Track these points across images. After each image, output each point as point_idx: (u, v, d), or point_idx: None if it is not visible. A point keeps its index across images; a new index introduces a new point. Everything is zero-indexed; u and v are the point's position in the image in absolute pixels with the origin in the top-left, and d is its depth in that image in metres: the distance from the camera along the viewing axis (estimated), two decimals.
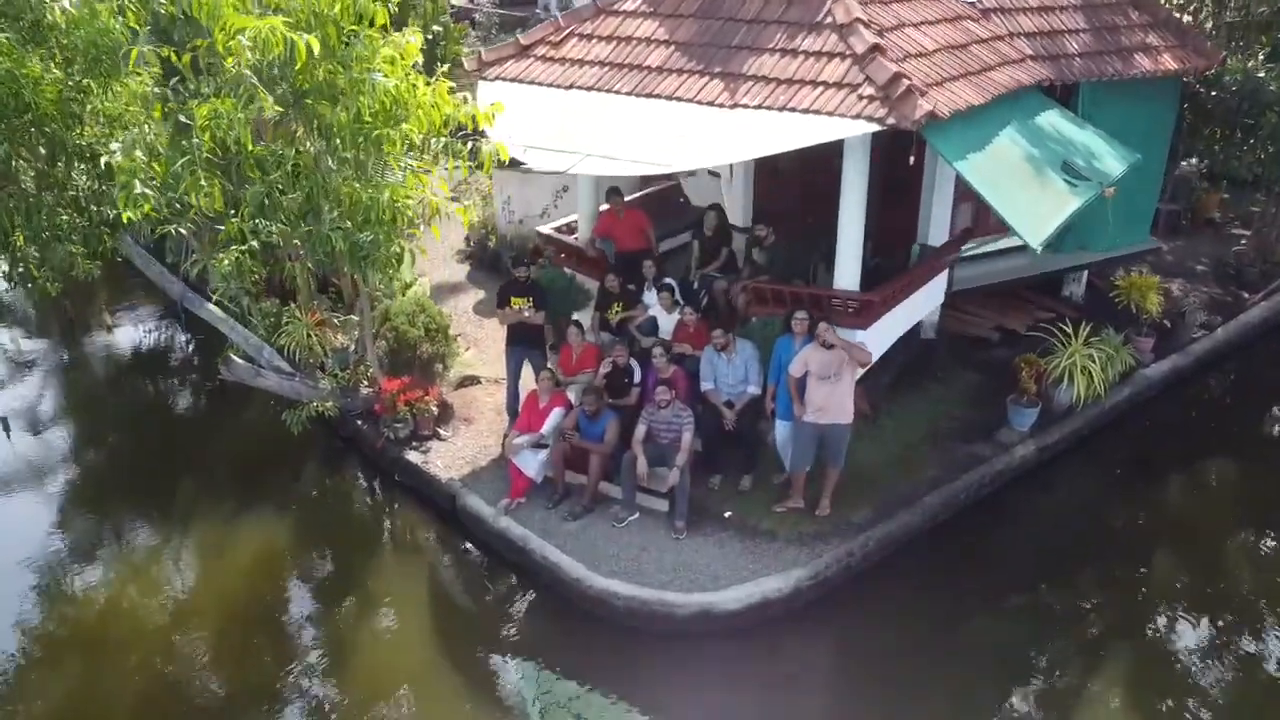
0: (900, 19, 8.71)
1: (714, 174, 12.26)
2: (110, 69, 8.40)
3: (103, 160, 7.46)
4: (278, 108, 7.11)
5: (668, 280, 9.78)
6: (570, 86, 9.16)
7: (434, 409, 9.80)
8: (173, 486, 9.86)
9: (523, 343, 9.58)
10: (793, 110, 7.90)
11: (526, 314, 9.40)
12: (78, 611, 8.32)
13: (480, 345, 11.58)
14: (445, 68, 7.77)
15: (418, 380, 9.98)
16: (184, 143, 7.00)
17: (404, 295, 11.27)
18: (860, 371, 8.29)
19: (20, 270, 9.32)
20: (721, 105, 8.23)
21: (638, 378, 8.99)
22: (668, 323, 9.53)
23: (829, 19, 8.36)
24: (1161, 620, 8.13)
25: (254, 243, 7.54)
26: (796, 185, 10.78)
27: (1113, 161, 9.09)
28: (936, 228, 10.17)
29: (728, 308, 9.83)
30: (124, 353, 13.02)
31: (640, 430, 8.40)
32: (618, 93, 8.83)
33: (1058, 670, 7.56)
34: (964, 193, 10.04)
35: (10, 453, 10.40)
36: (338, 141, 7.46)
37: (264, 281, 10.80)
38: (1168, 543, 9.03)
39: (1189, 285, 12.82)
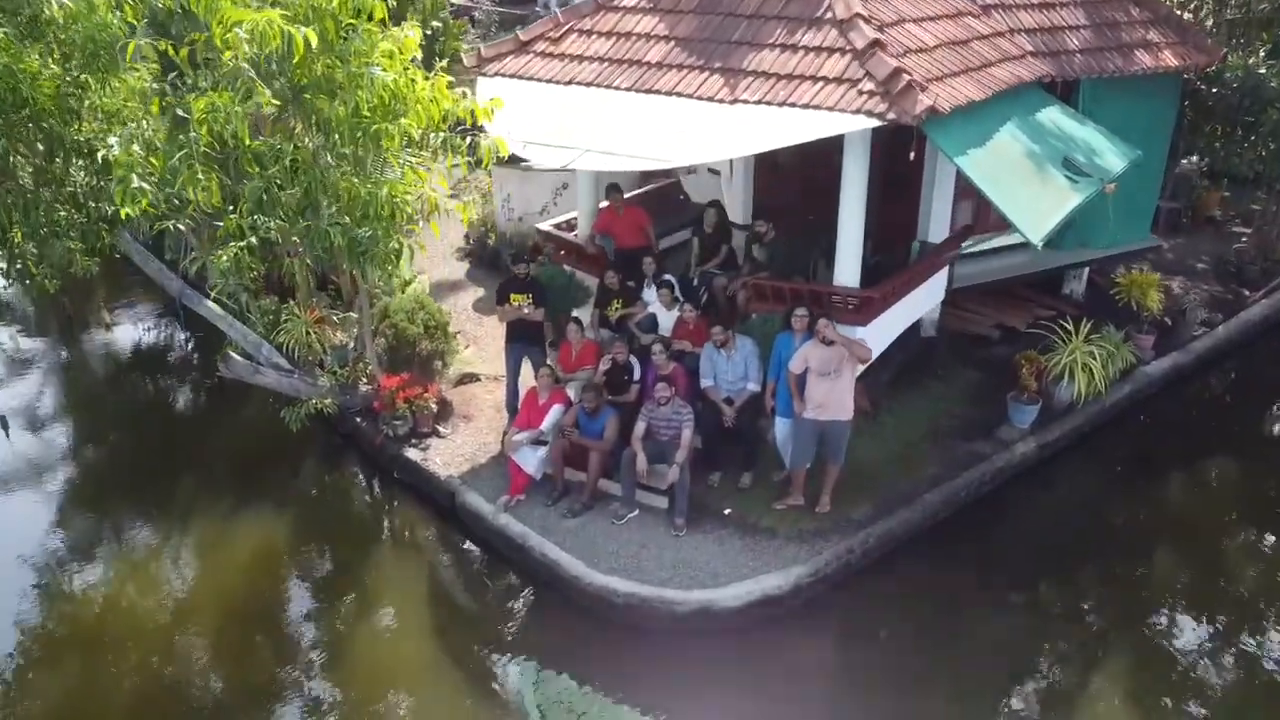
0: (900, 14, 8.69)
1: (714, 171, 12.25)
2: (108, 64, 8.38)
3: (100, 155, 7.43)
4: (275, 102, 7.08)
5: (667, 277, 9.75)
6: (570, 82, 9.14)
7: (433, 406, 9.78)
8: (171, 484, 9.84)
9: (522, 340, 9.56)
10: (793, 106, 7.88)
11: (526, 311, 9.38)
12: (77, 609, 8.30)
13: (480, 343, 11.56)
14: (444, 63, 7.73)
15: (417, 377, 9.96)
16: (181, 137, 6.97)
17: (403, 292, 11.25)
18: (860, 368, 8.27)
19: (18, 267, 9.29)
20: (721, 101, 8.21)
21: (637, 375, 8.97)
22: (667, 320, 9.50)
23: (829, 14, 8.34)
24: (1162, 618, 8.10)
25: (252, 239, 7.51)
26: (796, 181, 10.76)
27: (1113, 158, 9.07)
28: (937, 225, 10.15)
29: (728, 304, 9.81)
30: (123, 350, 13.00)
31: (640, 427, 8.38)
32: (617, 88, 8.82)
33: (1058, 667, 7.55)
34: (964, 189, 10.03)
35: (9, 451, 10.38)
36: (336, 137, 7.43)
37: (263, 279, 10.78)
38: (1168, 540, 9.01)
39: (1190, 283, 12.79)
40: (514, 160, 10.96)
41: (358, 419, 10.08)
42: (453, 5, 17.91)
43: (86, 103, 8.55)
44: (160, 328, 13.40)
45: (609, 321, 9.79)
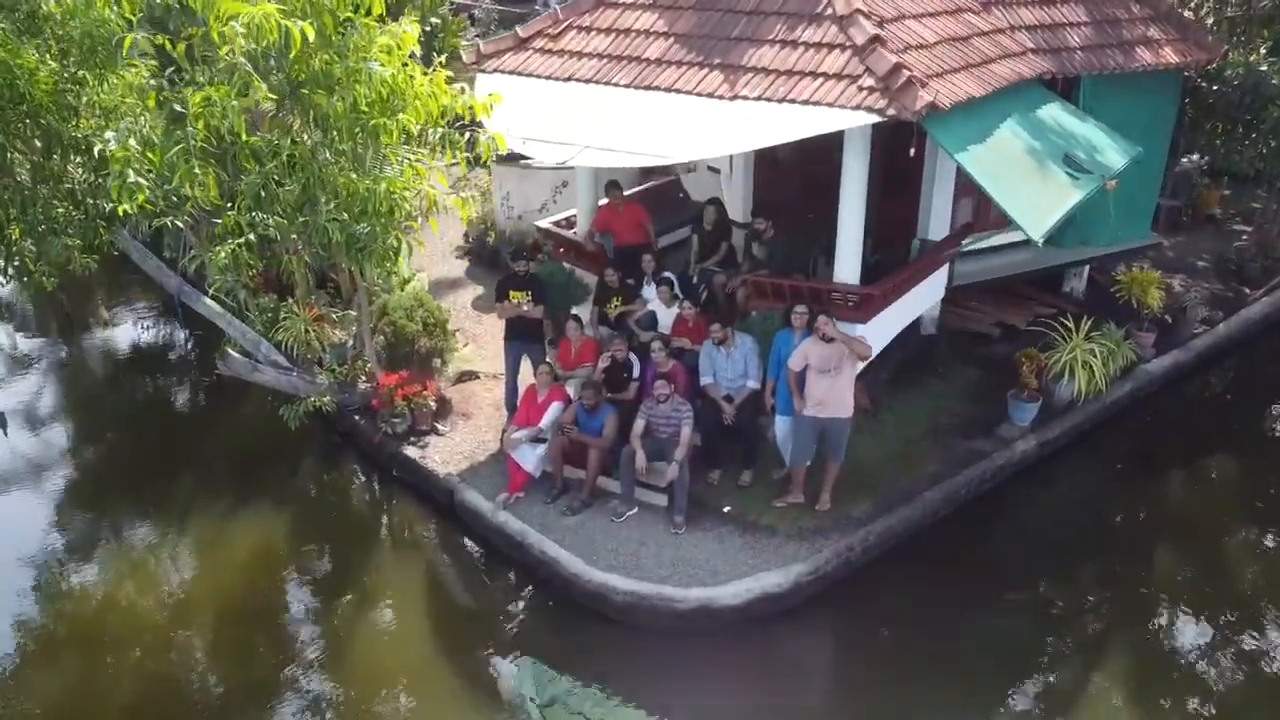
0: (900, 11, 8.66)
1: (713, 169, 12.23)
2: (106, 60, 8.35)
3: (96, 150, 7.41)
4: (272, 97, 7.06)
5: (667, 274, 9.73)
6: (569, 79, 9.12)
7: (432, 404, 9.76)
8: (170, 482, 9.83)
9: (521, 337, 9.53)
10: (792, 102, 7.86)
11: (525, 308, 9.35)
12: (76, 608, 8.28)
13: (479, 341, 11.54)
14: (443, 58, 7.70)
15: (416, 375, 9.94)
16: (178, 132, 6.94)
17: (402, 290, 11.23)
18: (860, 366, 8.25)
19: (16, 264, 9.27)
20: (721, 97, 8.19)
21: (636, 372, 8.95)
22: (667, 317, 9.48)
23: (829, 10, 8.31)
24: (1162, 616, 8.08)
25: (250, 235, 7.48)
26: (796, 179, 10.74)
27: (1114, 155, 9.05)
28: (937, 222, 10.13)
29: (727, 302, 9.79)
30: (121, 348, 12.98)
31: (639, 425, 8.36)
32: (616, 85, 8.80)
33: (1058, 666, 7.52)
34: (964, 187, 10.01)
35: (8, 449, 10.35)
36: (334, 133, 7.41)
37: (261, 276, 10.75)
38: (1168, 538, 8.99)
39: (1190, 281, 12.78)
40: (513, 158, 10.95)
41: (356, 417, 10.05)
42: (452, 3, 17.87)
43: (84, 99, 8.52)
44: (159, 326, 13.38)
45: (608, 319, 9.76)
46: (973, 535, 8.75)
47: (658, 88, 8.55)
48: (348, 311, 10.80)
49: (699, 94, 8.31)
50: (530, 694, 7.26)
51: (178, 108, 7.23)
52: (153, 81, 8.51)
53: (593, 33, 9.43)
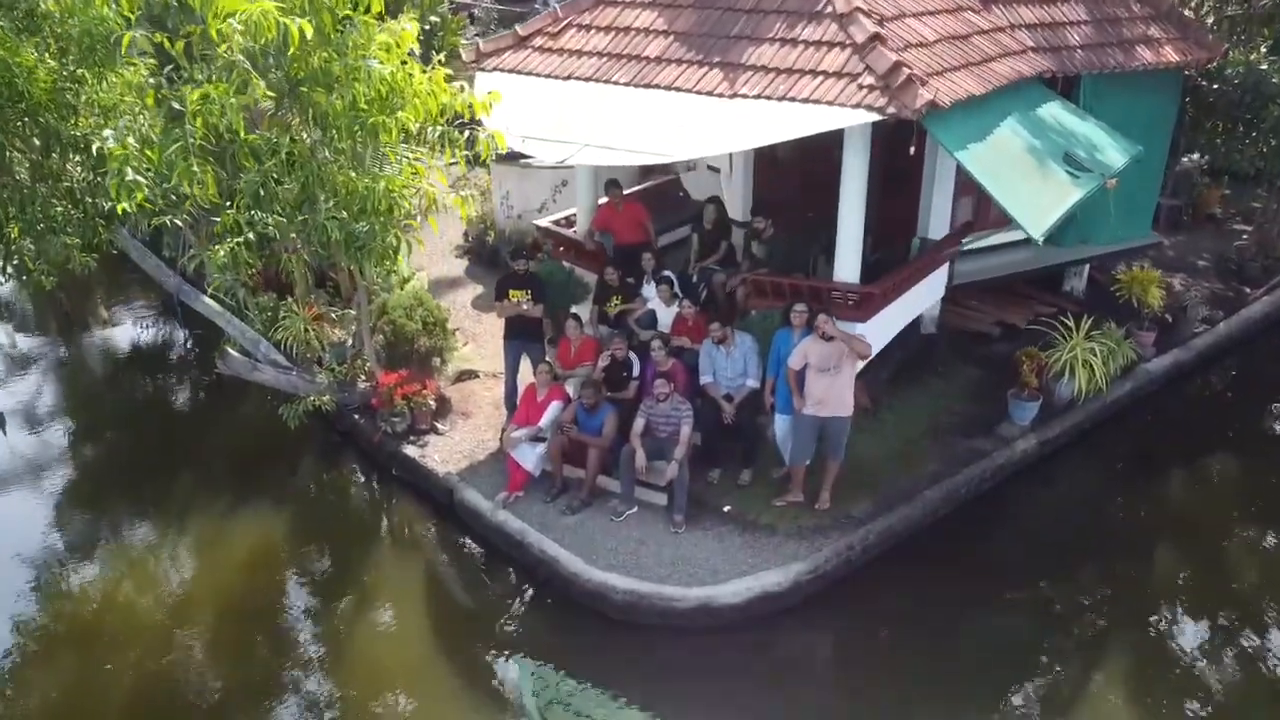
0: (900, 9, 8.65)
1: (713, 168, 12.22)
2: (104, 58, 8.33)
3: (95, 148, 7.39)
4: (271, 94, 7.04)
5: (666, 273, 9.72)
6: (568, 77, 9.11)
7: (431, 403, 9.74)
8: (169, 481, 9.82)
9: (521, 336, 9.52)
10: (792, 100, 7.85)
11: (525, 307, 9.34)
12: (75, 607, 8.27)
13: (478, 340, 11.53)
14: (441, 55, 7.68)
15: (415, 374, 9.93)
16: (176, 130, 6.92)
17: (402, 289, 11.22)
18: (860, 365, 8.24)
19: (15, 263, 9.25)
20: (720, 95, 8.18)
21: (636, 371, 8.94)
22: (666, 316, 9.47)
23: (829, 8, 8.30)
24: (1163, 616, 8.07)
25: (249, 234, 7.47)
26: (796, 177, 10.73)
27: (1114, 153, 9.04)
28: (937, 221, 10.12)
29: (727, 301, 9.77)
30: (121, 347, 12.97)
31: (639, 424, 8.35)
32: (616, 83, 8.79)
33: (1058, 665, 7.51)
34: (965, 186, 10.00)
35: (7, 449, 10.33)
36: (333, 132, 7.39)
37: (260, 275, 10.73)
38: (1169, 537, 8.98)
39: (1190, 280, 12.76)
40: (513, 157, 10.93)
41: (356, 416, 10.04)
42: (452, 1, 17.86)
43: (83, 97, 8.50)
44: (158, 325, 13.37)
45: (608, 318, 9.75)
46: (973, 534, 8.73)
47: (657, 86, 8.54)
48: (347, 310, 10.79)
49: (699, 92, 8.30)
50: (530, 694, 7.25)
51: (176, 106, 7.21)
52: (151, 80, 8.49)
53: (592, 31, 9.42)
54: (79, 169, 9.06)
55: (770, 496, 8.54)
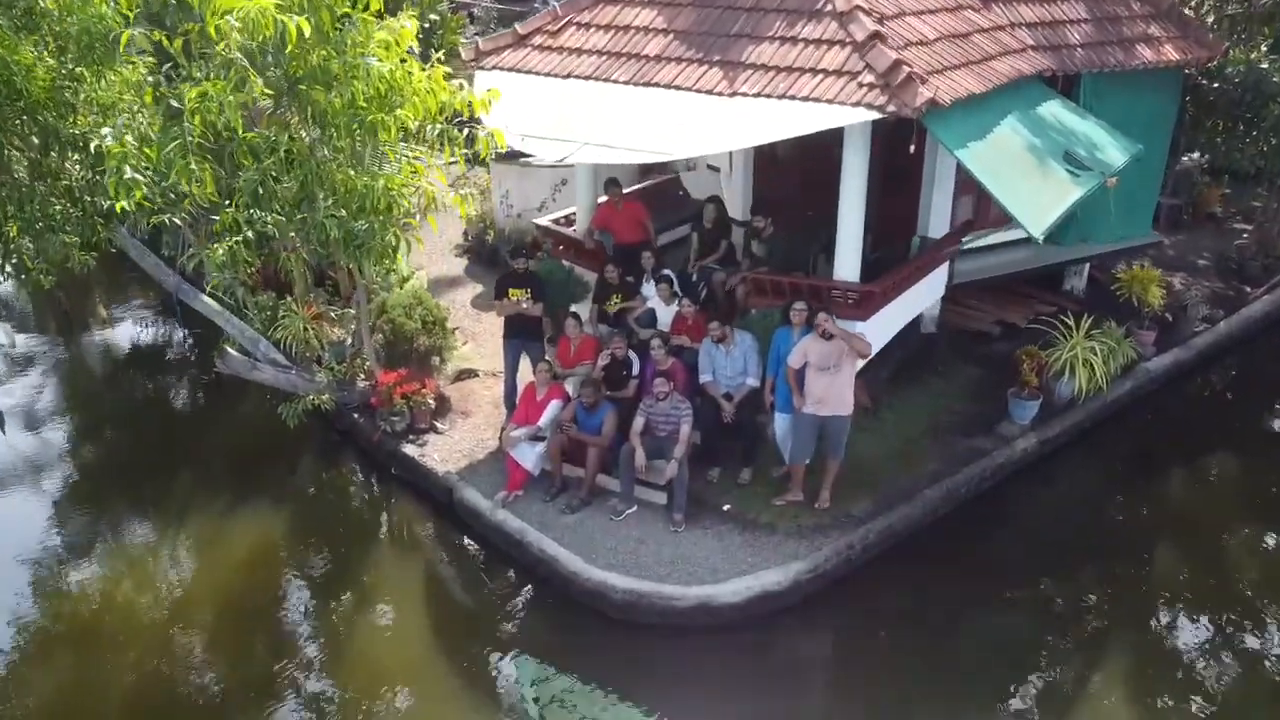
0: (901, 7, 8.64)
1: (713, 168, 12.21)
2: (103, 56, 8.32)
3: (94, 147, 7.37)
4: (269, 92, 7.02)
5: (666, 272, 9.71)
6: (568, 76, 9.10)
7: (431, 402, 9.73)
8: (168, 480, 9.80)
9: (520, 335, 9.51)
10: (792, 98, 7.84)
11: (524, 305, 9.33)
12: (74, 606, 8.25)
13: (478, 339, 11.51)
14: (440, 53, 7.66)
15: (414, 373, 9.92)
16: (175, 128, 6.91)
17: (401, 288, 11.20)
18: (860, 364, 8.22)
19: (14, 262, 9.23)
20: (720, 94, 8.17)
21: (636, 370, 8.93)
22: (666, 315, 9.46)
23: (829, 6, 8.30)
24: (1163, 615, 8.06)
25: (248, 233, 7.45)
26: (796, 175, 10.72)
27: (1115, 152, 9.03)
28: (937, 220, 10.11)
29: (727, 300, 9.76)
30: (120, 346, 12.96)
31: (638, 422, 8.34)
32: (616, 82, 8.78)
33: (1058, 664, 7.50)
34: (965, 184, 9.99)
35: (6, 448, 10.32)
36: (332, 130, 7.37)
37: (259, 274, 10.71)
38: (1169, 536, 8.97)
39: (1191, 279, 12.76)
40: (512, 156, 10.90)
41: (355, 415, 10.03)
42: (451, 0, 17.85)
43: (82, 95, 8.48)
44: (157, 324, 13.36)
45: (608, 316, 9.74)
46: (973, 533, 8.72)
47: (657, 84, 8.53)
48: (346, 309, 10.77)
49: (698, 91, 8.29)
50: (529, 693, 7.24)
51: (175, 104, 7.19)
52: (150, 78, 8.47)
53: (592, 29, 9.40)
54: (78, 167, 9.04)
55: (770, 495, 8.53)
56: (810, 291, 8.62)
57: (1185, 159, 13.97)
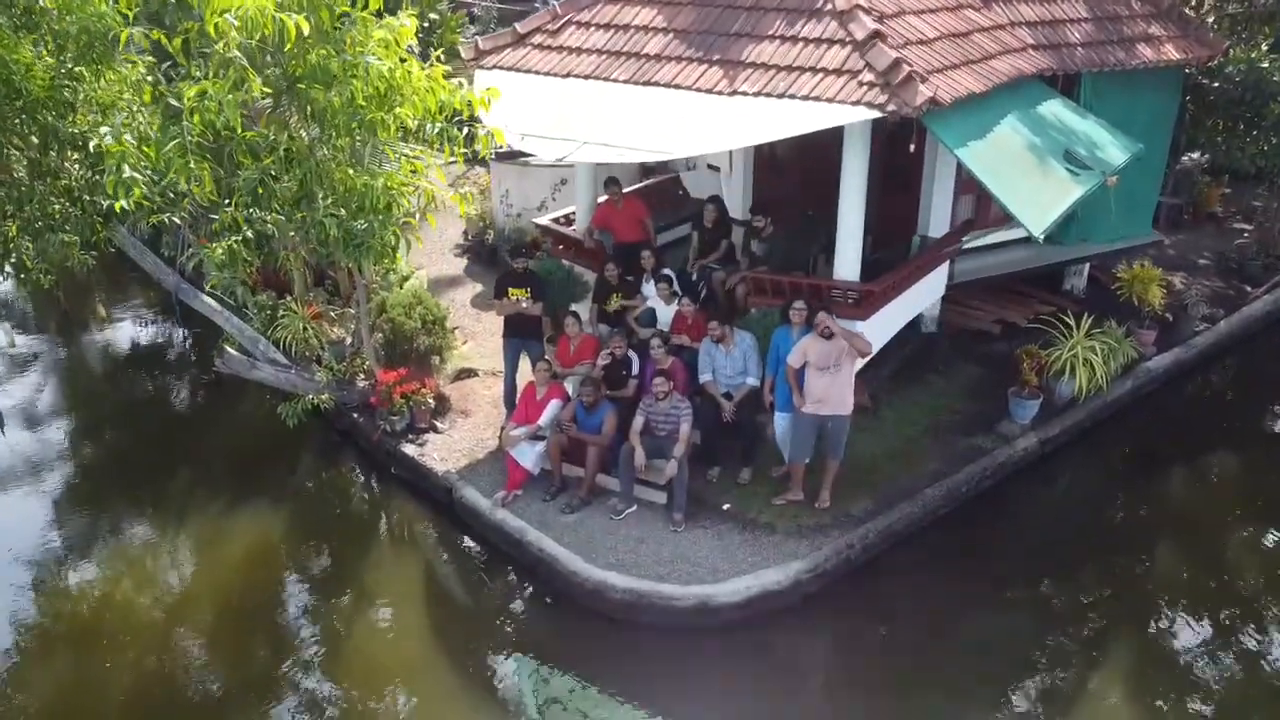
0: (901, 6, 8.63)
1: (713, 167, 12.19)
2: (102, 55, 8.31)
3: (92, 145, 7.36)
4: (267, 90, 7.01)
5: (666, 271, 9.70)
6: (568, 75, 9.09)
7: (431, 401, 9.72)
8: (168, 480, 9.80)
9: (520, 334, 9.50)
10: (792, 97, 7.83)
11: (524, 305, 9.32)
12: (73, 605, 8.25)
13: (478, 338, 11.50)
14: (439, 51, 7.65)
15: (414, 373, 9.90)
16: (174, 127, 6.90)
17: (401, 288, 11.20)
18: (861, 363, 8.22)
19: (13, 261, 9.23)
20: (720, 92, 8.16)
21: (635, 369, 8.92)
22: (666, 314, 9.45)
23: (829, 5, 8.29)
24: (1163, 614, 8.05)
25: (248, 232, 7.45)
26: (796, 175, 10.72)
27: (1115, 151, 9.02)
28: (937, 219, 10.10)
29: (727, 299, 9.76)
30: (119, 346, 12.95)
31: (638, 422, 8.33)
32: (616, 80, 8.77)
33: (1058, 664, 7.49)
34: (965, 184, 9.99)
35: (6, 448, 10.31)
36: (331, 130, 7.36)
37: (259, 274, 10.71)
38: (1169, 536, 8.96)
39: (1191, 279, 12.74)
40: (512, 155, 10.90)
41: (355, 414, 10.02)
42: (451, 0, 17.85)
43: (81, 95, 8.48)
44: (157, 323, 13.36)
45: (607, 316, 9.73)
46: (973, 533, 8.71)
47: (657, 83, 8.52)
48: (346, 309, 10.76)
49: (698, 90, 8.28)
50: (529, 692, 7.23)
51: (174, 102, 7.18)
52: (149, 77, 8.46)
53: (591, 28, 9.39)
54: (77, 167, 9.04)
55: (770, 495, 8.52)
56: (810, 291, 8.61)
57: (1186, 158, 13.96)
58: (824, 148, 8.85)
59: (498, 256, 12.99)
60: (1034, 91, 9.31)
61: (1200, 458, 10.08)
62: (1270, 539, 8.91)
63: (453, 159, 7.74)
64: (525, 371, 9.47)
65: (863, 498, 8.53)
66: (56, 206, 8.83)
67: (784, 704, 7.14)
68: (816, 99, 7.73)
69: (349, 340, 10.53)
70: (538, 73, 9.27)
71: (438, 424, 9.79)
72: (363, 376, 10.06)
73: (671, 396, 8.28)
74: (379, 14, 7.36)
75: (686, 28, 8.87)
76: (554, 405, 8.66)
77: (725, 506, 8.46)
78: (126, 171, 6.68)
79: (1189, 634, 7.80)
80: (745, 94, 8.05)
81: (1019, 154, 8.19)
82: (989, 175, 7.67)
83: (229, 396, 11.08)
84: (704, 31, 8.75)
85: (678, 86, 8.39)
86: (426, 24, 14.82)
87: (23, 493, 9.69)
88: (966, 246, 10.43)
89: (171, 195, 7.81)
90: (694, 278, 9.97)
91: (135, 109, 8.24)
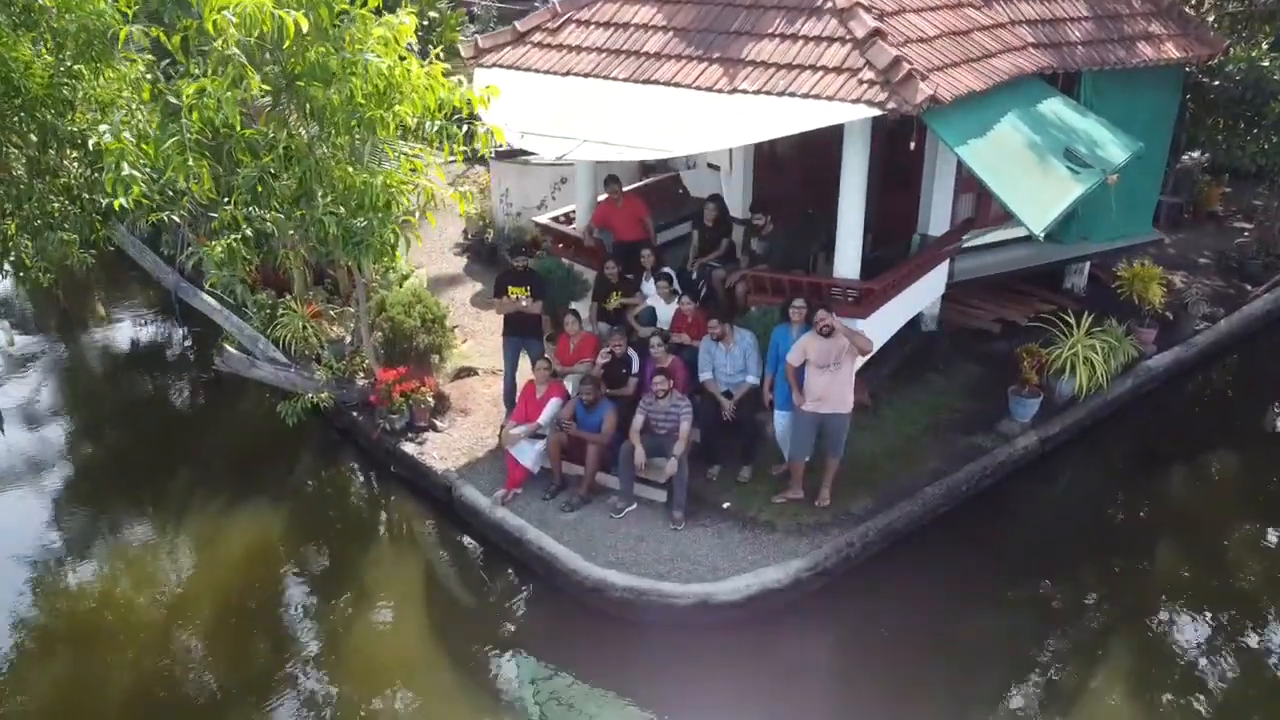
0: (901, 4, 8.63)
1: (713, 166, 12.19)
2: (101, 53, 8.31)
3: (91, 143, 7.36)
4: (266, 87, 7.00)
5: (666, 269, 9.69)
6: (567, 73, 9.08)
7: (430, 400, 9.71)
8: (167, 479, 9.78)
9: (520, 333, 9.49)
10: (792, 95, 7.82)
11: (524, 303, 9.31)
12: (73, 605, 8.23)
13: (478, 337, 11.50)
14: (439, 49, 7.64)
15: (414, 371, 9.90)
16: (172, 125, 6.90)
17: (400, 286, 11.19)
18: (861, 361, 8.21)
19: (11, 259, 9.22)
20: (720, 90, 8.15)
21: (635, 368, 8.91)
22: (666, 312, 9.44)
23: (829, 3, 8.29)
24: (1163, 613, 8.03)
25: (247, 230, 7.44)
26: (796, 173, 10.72)
27: (1115, 149, 9.02)
28: (937, 218, 10.09)
29: (726, 298, 9.75)
30: (119, 344, 12.94)
31: (638, 420, 8.32)
32: (615, 79, 8.76)
33: (1058, 662, 7.48)
34: (965, 182, 9.98)
35: (5, 447, 10.30)
36: (330, 127, 7.35)
37: (258, 273, 10.70)
38: (1170, 534, 8.96)
39: (1191, 277, 12.74)
40: (512, 154, 10.88)
41: (354, 413, 10.01)
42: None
43: (80, 93, 8.48)
44: (157, 322, 13.34)
45: (607, 314, 9.72)
46: (973, 531, 8.70)
47: (657, 81, 8.51)
48: (345, 307, 10.75)
49: (698, 88, 8.27)
50: (529, 690, 7.22)
51: (173, 100, 7.18)
52: (148, 75, 8.46)
53: (591, 27, 9.38)
54: (76, 165, 9.04)
55: (770, 493, 8.52)
56: (810, 289, 8.60)
57: (1186, 157, 13.96)
58: (824, 146, 8.84)
59: (497, 255, 12.99)
60: (1034, 90, 9.30)
61: (1200, 456, 10.07)
62: (1271, 538, 8.91)
63: (452, 158, 7.74)
64: (525, 370, 9.46)
65: (863, 496, 8.53)
66: (55, 205, 8.83)
67: (783, 702, 7.13)
68: (816, 97, 7.72)
69: (348, 339, 10.52)
70: (537, 71, 9.26)
71: (437, 422, 9.78)
72: (362, 375, 10.05)
73: (671, 395, 8.28)
74: (378, 11, 7.36)
75: (686, 26, 8.86)
76: (554, 404, 8.66)
77: (725, 505, 8.45)
78: (125, 169, 6.67)
79: (1190, 633, 7.80)
80: (745, 92, 8.04)
81: (1019, 152, 8.18)
82: (989, 173, 7.65)
83: (228, 395, 11.07)
84: (704, 30, 8.74)
85: (678, 84, 8.38)
86: (426, 22, 14.81)
87: (22, 492, 9.68)
88: (967, 245, 10.43)
89: (170, 193, 7.81)
90: (694, 276, 9.96)
91: (134, 107, 8.24)
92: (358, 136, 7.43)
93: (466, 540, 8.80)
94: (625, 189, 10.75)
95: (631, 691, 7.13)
